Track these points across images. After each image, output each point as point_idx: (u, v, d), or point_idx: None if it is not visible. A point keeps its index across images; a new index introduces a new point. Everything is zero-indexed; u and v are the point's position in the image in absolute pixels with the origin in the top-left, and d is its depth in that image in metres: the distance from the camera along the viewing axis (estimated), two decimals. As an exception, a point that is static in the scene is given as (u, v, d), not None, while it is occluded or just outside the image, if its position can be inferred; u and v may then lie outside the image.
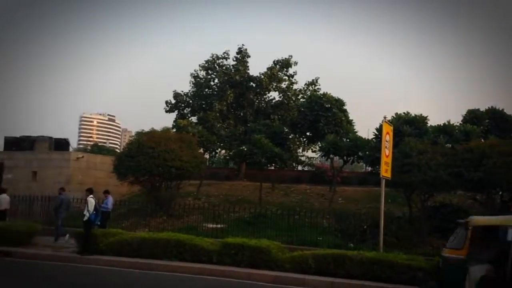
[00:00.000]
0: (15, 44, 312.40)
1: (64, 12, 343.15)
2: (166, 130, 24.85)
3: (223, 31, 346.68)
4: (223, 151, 33.48)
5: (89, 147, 77.02)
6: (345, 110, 26.22)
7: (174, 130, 26.96)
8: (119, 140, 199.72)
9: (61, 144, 29.38)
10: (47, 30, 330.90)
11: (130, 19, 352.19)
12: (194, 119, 31.33)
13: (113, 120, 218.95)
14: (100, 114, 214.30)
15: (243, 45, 33.14)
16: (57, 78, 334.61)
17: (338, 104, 25.85)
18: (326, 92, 26.73)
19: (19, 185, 25.69)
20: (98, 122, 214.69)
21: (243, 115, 32.37)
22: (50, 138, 28.92)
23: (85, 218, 15.98)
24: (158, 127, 24.23)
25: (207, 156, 29.44)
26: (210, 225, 19.45)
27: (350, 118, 26.27)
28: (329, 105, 25.46)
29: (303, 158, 32.19)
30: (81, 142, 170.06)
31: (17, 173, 26.59)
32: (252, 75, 32.16)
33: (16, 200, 22.13)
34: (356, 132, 24.93)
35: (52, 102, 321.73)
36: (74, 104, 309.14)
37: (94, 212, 16.26)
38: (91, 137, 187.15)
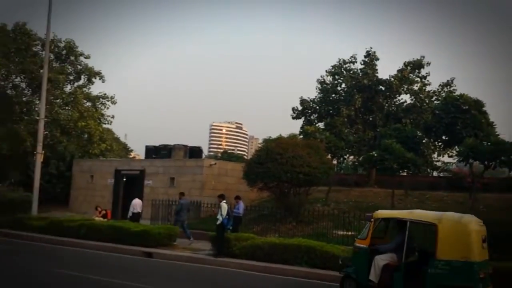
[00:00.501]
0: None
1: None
2: (293, 137, 24.97)
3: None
4: (352, 157, 32.81)
5: (219, 154, 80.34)
6: (485, 112, 24.32)
7: (301, 136, 27.01)
8: (246, 147, 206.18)
9: (195, 152, 30.95)
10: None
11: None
12: (321, 125, 31.13)
13: (241, 128, 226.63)
14: (229, 122, 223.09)
15: (371, 47, 32.32)
16: (189, 87, 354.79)
17: (477, 105, 24.06)
18: (463, 93, 25.02)
19: (158, 190, 27.47)
20: (226, 130, 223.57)
21: (372, 120, 31.46)
22: (185, 146, 30.58)
23: (218, 222, 16.53)
24: (284, 133, 24.46)
25: (335, 162, 29.05)
26: (340, 232, 19.04)
27: (491, 120, 24.32)
28: (466, 107, 23.83)
29: (438, 164, 30.42)
30: (211, 149, 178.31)
31: (156, 179, 28.43)
32: (381, 78, 31.18)
33: (156, 205, 23.65)
34: (497, 135, 22.99)
35: (185, 111, 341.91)
36: (204, 113, 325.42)
37: (227, 216, 16.74)
38: (220, 144, 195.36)
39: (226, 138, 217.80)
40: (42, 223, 20.66)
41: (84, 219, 20.47)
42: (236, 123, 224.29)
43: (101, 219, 21.82)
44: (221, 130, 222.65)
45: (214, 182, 26.70)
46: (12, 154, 34.33)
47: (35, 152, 24.44)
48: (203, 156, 33.27)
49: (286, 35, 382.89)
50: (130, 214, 22.24)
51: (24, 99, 35.73)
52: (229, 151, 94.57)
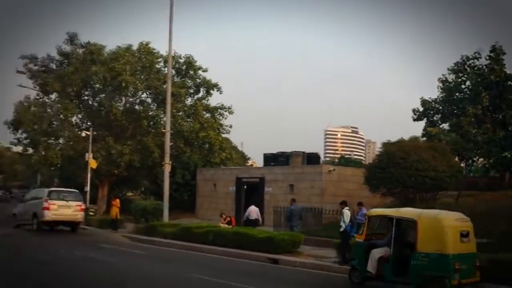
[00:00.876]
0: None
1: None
2: (414, 139, 24.06)
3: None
4: (481, 159, 30.72)
5: (336, 160, 79.60)
6: None
7: (424, 138, 25.87)
8: (363, 152, 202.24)
9: (313, 158, 31.02)
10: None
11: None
12: (445, 126, 29.53)
13: (356, 132, 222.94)
14: (343, 127, 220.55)
15: (497, 42, 30.05)
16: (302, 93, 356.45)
17: None
18: None
19: (278, 197, 27.83)
20: (342, 135, 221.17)
21: (502, 118, 29.17)
22: (303, 153, 30.78)
23: (342, 229, 16.30)
24: (404, 136, 23.64)
25: (463, 164, 27.42)
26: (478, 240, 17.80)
27: None
28: None
29: None
30: (327, 155, 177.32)
31: (276, 186, 28.85)
32: (510, 74, 28.86)
33: (277, 211, 23.99)
34: None
35: (298, 117, 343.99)
36: (318, 118, 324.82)
37: (350, 223, 16.46)
38: (336, 149, 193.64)
39: (342, 143, 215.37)
40: (173, 230, 21.87)
41: (210, 226, 21.30)
42: (352, 127, 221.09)
43: (226, 225, 22.58)
44: (336, 135, 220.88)
45: (334, 189, 26.47)
46: (143, 165, 36.92)
47: (163, 163, 25.91)
48: (321, 162, 33.18)
49: (401, 34, 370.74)
50: (244, 218, 23.19)
51: (150, 113, 38.20)
52: (346, 156, 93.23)
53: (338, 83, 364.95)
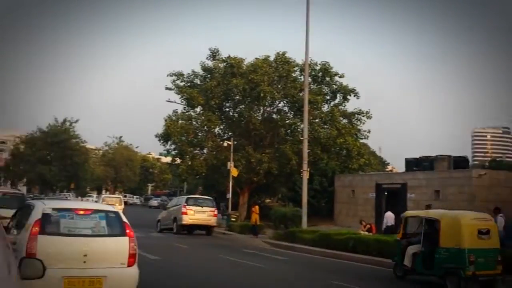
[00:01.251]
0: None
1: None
2: None
3: None
4: None
5: (486, 163, 73.56)
6: None
7: None
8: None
9: (460, 162, 29.10)
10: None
11: None
12: None
13: (508, 133, 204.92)
14: (494, 128, 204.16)
15: None
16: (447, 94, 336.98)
17: None
18: None
19: (422, 204, 26.36)
20: (491, 136, 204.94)
21: None
22: (449, 156, 29.04)
23: (498, 238, 15.01)
24: None
25: None
26: None
27: None
28: None
29: None
30: (475, 158, 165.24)
31: (419, 192, 27.42)
32: None
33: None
34: None
35: (442, 119, 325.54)
36: (464, 119, 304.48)
37: (503, 230, 15.18)
38: (486, 152, 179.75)
39: (492, 145, 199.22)
40: (312, 236, 21.81)
41: (350, 233, 20.87)
42: (503, 127, 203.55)
43: (366, 233, 21.97)
44: (485, 136, 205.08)
45: (485, 194, 24.45)
46: (281, 172, 37.53)
47: (301, 170, 26.00)
48: (470, 166, 30.93)
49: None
50: (384, 226, 22.54)
51: (287, 121, 38.69)
52: (497, 159, 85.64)
53: (484, 81, 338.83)
